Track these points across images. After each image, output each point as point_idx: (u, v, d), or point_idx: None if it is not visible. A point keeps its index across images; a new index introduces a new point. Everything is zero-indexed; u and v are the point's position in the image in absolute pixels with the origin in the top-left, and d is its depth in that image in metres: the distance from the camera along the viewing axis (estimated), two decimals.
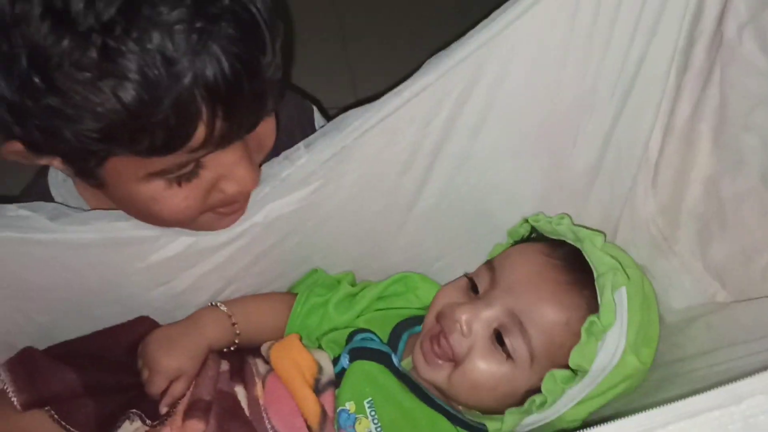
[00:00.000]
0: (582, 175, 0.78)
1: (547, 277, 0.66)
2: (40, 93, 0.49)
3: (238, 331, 0.72)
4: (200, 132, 0.52)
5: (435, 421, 0.66)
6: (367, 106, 0.66)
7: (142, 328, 0.72)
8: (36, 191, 0.72)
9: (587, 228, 0.71)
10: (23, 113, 0.51)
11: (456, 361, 0.66)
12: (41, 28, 0.47)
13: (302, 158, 0.66)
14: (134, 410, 0.67)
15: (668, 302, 0.76)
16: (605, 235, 0.69)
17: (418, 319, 0.74)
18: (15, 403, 0.64)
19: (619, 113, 0.73)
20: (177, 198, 0.59)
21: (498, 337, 0.64)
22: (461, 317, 0.65)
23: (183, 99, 0.50)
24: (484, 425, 0.68)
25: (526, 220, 0.76)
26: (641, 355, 0.63)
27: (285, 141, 0.69)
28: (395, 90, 0.65)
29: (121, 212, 0.65)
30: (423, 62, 0.66)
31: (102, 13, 0.47)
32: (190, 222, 0.64)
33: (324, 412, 0.65)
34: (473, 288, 0.69)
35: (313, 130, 0.80)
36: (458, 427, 0.67)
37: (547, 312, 0.64)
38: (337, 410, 0.67)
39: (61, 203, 0.69)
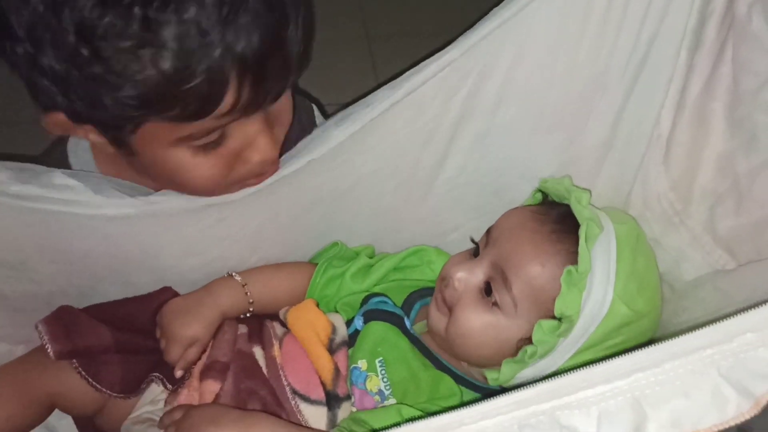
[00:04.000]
0: (594, 151, 0.79)
1: (527, 227, 0.69)
2: (86, 62, 0.52)
3: (251, 299, 0.75)
4: (228, 99, 0.56)
5: (438, 381, 0.69)
6: (395, 82, 0.68)
7: (164, 297, 0.75)
8: (55, 157, 0.75)
9: (579, 187, 0.72)
10: (69, 83, 0.54)
11: (450, 312, 0.69)
12: (87, 4, 0.50)
13: (333, 135, 0.68)
14: (156, 374, 0.70)
15: (679, 274, 0.77)
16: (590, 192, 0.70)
17: (430, 291, 0.76)
18: (49, 351, 0.67)
19: (630, 91, 0.75)
20: (204, 166, 0.63)
21: (487, 289, 0.67)
22: (454, 275, 0.69)
23: (214, 68, 0.53)
24: (491, 387, 0.70)
25: (538, 189, 0.77)
26: (634, 304, 0.64)
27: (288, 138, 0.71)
28: (421, 65, 0.67)
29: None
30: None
31: None
32: (216, 191, 0.67)
33: (337, 370, 0.68)
34: (475, 252, 0.72)
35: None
36: (462, 387, 0.69)
37: (523, 258, 0.66)
38: (350, 368, 0.69)
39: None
